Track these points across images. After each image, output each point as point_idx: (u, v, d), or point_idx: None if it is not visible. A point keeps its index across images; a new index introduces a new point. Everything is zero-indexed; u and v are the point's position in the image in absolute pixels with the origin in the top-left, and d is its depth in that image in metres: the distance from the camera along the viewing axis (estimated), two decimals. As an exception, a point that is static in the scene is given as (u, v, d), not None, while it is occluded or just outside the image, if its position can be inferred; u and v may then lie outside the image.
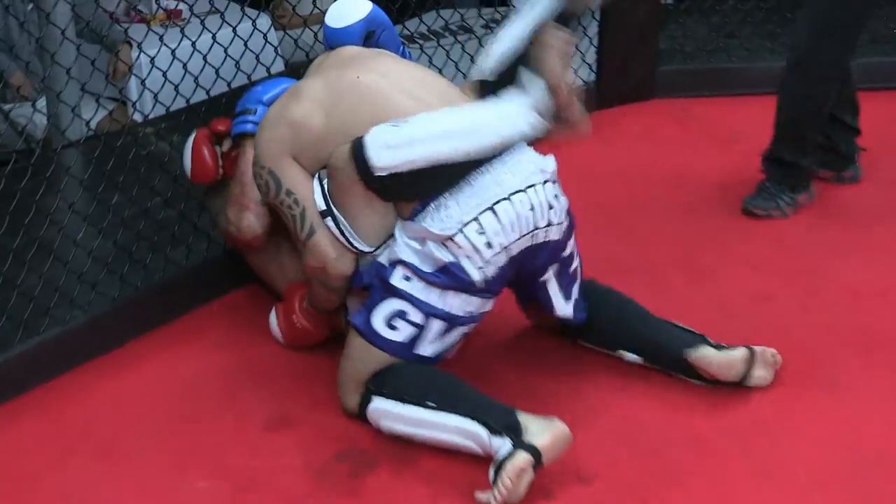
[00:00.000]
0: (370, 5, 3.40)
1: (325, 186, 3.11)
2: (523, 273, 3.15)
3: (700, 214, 4.10)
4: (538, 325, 3.45)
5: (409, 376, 3.06)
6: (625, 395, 3.25)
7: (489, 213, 3.02)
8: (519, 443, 2.86)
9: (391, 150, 3.00)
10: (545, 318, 3.36)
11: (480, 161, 3.05)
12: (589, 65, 4.76)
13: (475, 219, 3.01)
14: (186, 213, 3.67)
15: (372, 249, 3.11)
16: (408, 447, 3.04)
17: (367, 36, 3.39)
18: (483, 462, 2.92)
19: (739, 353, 3.21)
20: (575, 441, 2.93)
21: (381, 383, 3.06)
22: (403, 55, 3.48)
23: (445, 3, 5.01)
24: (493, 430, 2.90)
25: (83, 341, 3.34)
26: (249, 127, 3.39)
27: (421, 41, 4.74)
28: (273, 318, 3.42)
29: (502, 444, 2.87)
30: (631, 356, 3.32)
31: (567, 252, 3.20)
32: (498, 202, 3.03)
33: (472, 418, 2.94)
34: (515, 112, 3.10)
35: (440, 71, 4.17)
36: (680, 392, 3.24)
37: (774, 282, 3.73)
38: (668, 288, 3.68)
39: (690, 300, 3.62)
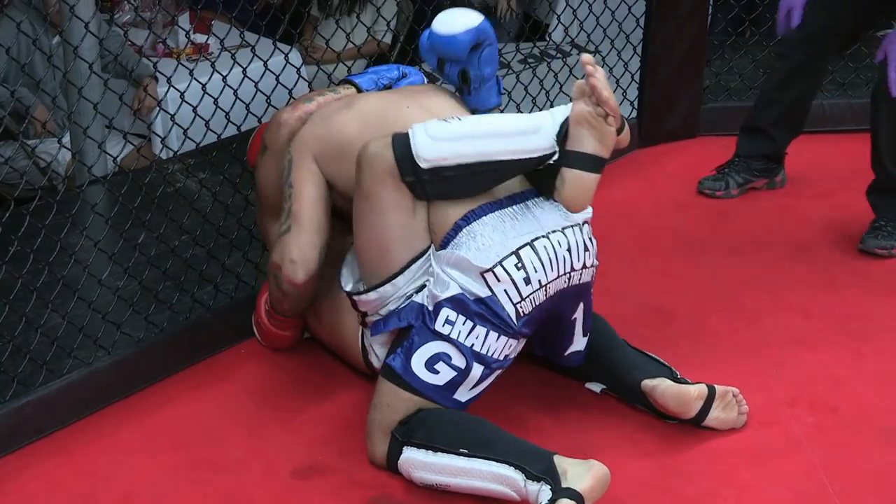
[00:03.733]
0: (481, 16, 3.35)
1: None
2: (556, 314, 3.10)
3: (746, 257, 4.00)
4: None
5: (437, 423, 2.99)
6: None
7: (528, 248, 2.97)
8: (559, 490, 2.79)
9: (438, 142, 2.95)
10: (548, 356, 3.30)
11: (518, 196, 3.02)
12: (631, 102, 4.69)
13: (514, 253, 2.96)
14: (214, 252, 3.61)
15: (360, 289, 3.08)
16: (440, 496, 2.96)
17: (475, 46, 3.32)
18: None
19: (696, 389, 3.15)
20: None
21: (410, 431, 3.00)
22: (497, 81, 3.43)
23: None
24: (530, 476, 2.84)
25: (107, 383, 3.28)
26: (348, 76, 3.45)
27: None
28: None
29: (540, 490, 2.81)
30: (595, 387, 3.30)
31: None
32: (537, 238, 2.98)
33: (508, 464, 2.87)
34: (558, 116, 2.99)
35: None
36: (711, 436, 3.17)
37: (825, 327, 3.63)
38: (714, 333, 3.59)
39: (734, 346, 3.53)
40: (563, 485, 2.80)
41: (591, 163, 2.92)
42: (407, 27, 5.90)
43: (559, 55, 5.12)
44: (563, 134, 2.93)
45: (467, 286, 2.96)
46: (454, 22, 3.31)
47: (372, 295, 3.08)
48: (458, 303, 2.96)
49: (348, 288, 3.15)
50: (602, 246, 3.13)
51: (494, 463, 2.89)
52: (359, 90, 3.39)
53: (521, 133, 2.97)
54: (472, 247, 2.96)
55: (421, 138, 2.95)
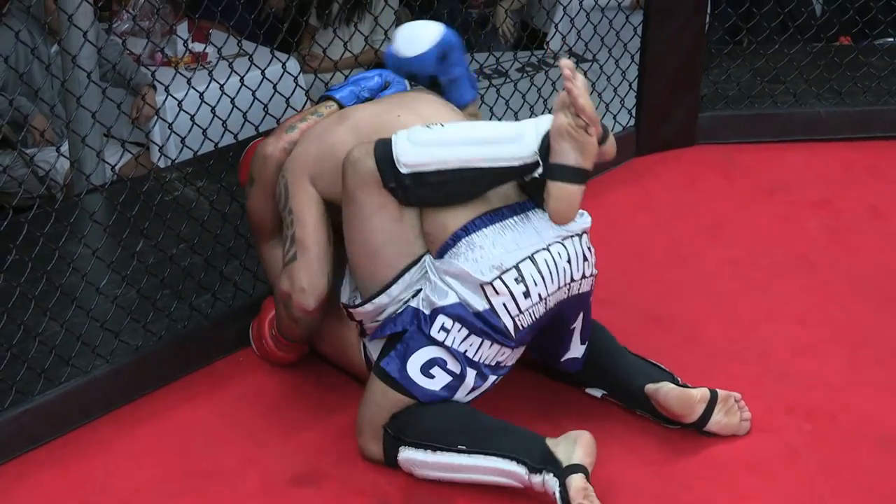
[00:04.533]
0: (440, 25, 3.33)
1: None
2: (556, 323, 3.10)
3: (743, 267, 3.99)
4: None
5: (430, 419, 3.00)
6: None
7: (528, 261, 2.96)
8: (562, 471, 2.84)
9: (419, 146, 2.96)
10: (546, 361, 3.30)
11: (518, 206, 3.02)
12: (628, 110, 4.69)
13: (514, 266, 2.95)
14: (212, 260, 3.60)
15: (356, 301, 3.09)
16: (440, 493, 2.99)
17: (441, 58, 3.31)
18: (520, 494, 2.92)
19: (699, 392, 3.14)
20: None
21: (401, 427, 3.01)
22: (470, 77, 3.42)
23: (480, 47, 4.96)
24: (533, 469, 2.88)
25: (105, 392, 3.27)
26: (327, 91, 3.42)
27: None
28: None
29: (545, 479, 2.86)
30: (596, 392, 3.29)
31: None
32: (537, 251, 2.97)
33: (509, 458, 2.91)
34: (541, 127, 2.98)
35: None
36: (712, 450, 3.15)
37: (822, 335, 3.62)
38: (709, 342, 3.58)
39: (731, 355, 3.53)
40: (563, 465, 2.85)
41: (573, 175, 2.91)
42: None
43: (557, 64, 5.11)
44: (546, 146, 2.92)
45: (466, 297, 2.95)
46: (417, 40, 3.30)
47: (368, 307, 3.08)
48: (456, 312, 2.96)
49: (345, 299, 3.15)
50: (598, 254, 3.13)
51: (495, 458, 2.92)
52: (340, 106, 3.36)
53: (501, 141, 2.96)
54: (470, 258, 2.96)
55: (402, 143, 2.96)
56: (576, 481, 2.82)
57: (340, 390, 3.35)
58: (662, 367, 3.25)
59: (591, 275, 3.09)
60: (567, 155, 2.90)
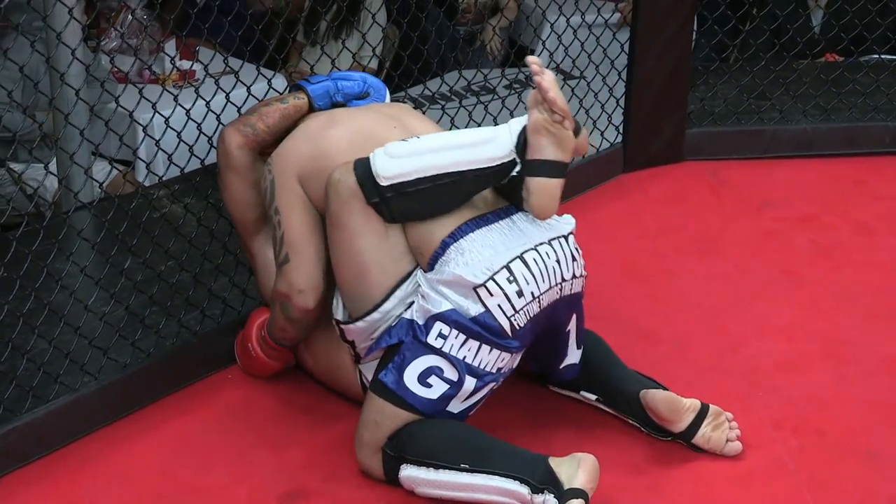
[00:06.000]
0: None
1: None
2: (551, 326, 3.10)
3: (731, 282, 4.00)
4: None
5: (430, 437, 3.00)
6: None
7: (518, 261, 2.98)
8: (562, 494, 2.84)
9: (397, 159, 2.98)
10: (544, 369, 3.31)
11: (503, 211, 3.05)
12: (616, 127, 4.70)
13: (505, 266, 2.97)
14: (200, 277, 3.60)
15: (345, 317, 3.10)
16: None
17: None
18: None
19: (689, 401, 3.16)
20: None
21: (400, 446, 3.00)
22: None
23: (468, 64, 4.97)
24: (535, 489, 2.87)
25: (93, 409, 3.26)
26: (301, 82, 3.44)
27: (443, 101, 4.68)
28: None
29: (546, 500, 2.85)
30: (590, 395, 3.30)
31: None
32: (526, 251, 3.00)
33: (512, 478, 2.91)
34: (515, 127, 3.01)
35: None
36: (697, 458, 3.17)
37: (809, 350, 3.63)
38: (697, 357, 3.59)
39: (719, 370, 3.53)
40: (566, 488, 2.84)
41: (553, 168, 2.95)
42: (393, 53, 5.92)
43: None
44: (522, 144, 2.95)
45: (460, 303, 2.96)
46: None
47: (360, 324, 3.08)
48: (452, 318, 2.96)
49: (339, 316, 3.15)
50: (586, 269, 3.14)
51: (498, 477, 2.92)
52: (309, 100, 3.38)
53: (476, 144, 2.99)
54: (461, 262, 2.97)
55: (380, 158, 2.98)
56: None
57: (330, 405, 3.35)
58: (657, 381, 3.25)
59: (581, 275, 3.10)
60: (545, 150, 2.93)
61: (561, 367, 3.23)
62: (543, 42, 4.72)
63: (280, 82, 4.94)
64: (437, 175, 2.97)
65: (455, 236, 3.00)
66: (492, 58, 6.46)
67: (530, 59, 2.95)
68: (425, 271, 3.02)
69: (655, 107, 4.65)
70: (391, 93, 3.91)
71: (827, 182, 4.62)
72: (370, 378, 3.11)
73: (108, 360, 3.31)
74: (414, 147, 3.00)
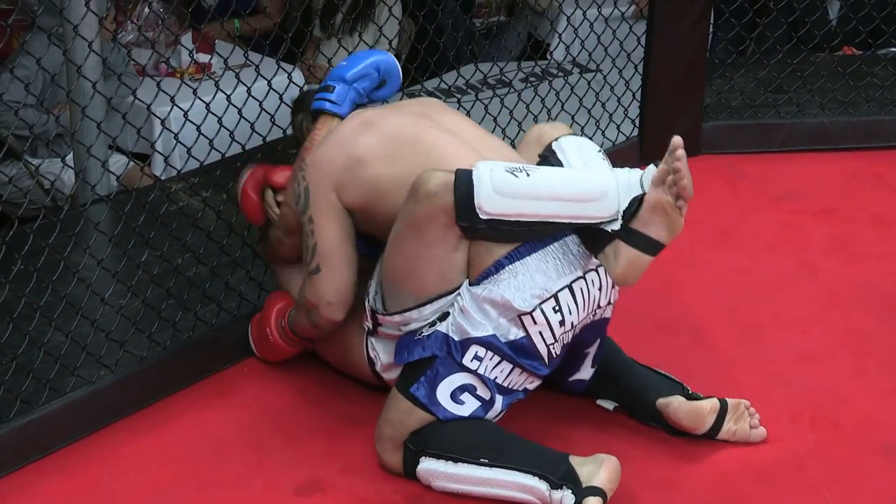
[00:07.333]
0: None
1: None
2: (573, 345, 3.10)
3: (749, 274, 3.99)
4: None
5: (452, 432, 2.99)
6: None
7: (566, 290, 2.96)
8: (581, 491, 2.83)
9: (504, 198, 2.89)
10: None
11: (557, 234, 2.98)
12: (632, 120, 4.69)
13: (554, 296, 2.94)
14: (217, 270, 3.60)
15: (377, 305, 3.08)
16: (449, 504, 2.99)
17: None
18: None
19: (708, 403, 3.15)
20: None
21: (424, 441, 3.00)
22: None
23: (484, 57, 4.97)
24: (554, 485, 2.87)
25: (110, 402, 3.27)
26: (327, 106, 3.30)
27: (459, 95, 4.68)
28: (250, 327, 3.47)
29: (563, 496, 2.85)
30: (608, 404, 3.29)
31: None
32: (575, 280, 2.97)
33: (531, 473, 2.90)
34: (628, 178, 2.96)
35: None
36: (715, 452, 3.17)
37: (826, 343, 3.62)
38: (714, 349, 3.58)
39: (736, 362, 3.52)
40: (584, 485, 2.84)
41: (652, 246, 2.90)
42: (409, 46, 5.91)
43: (561, 74, 5.13)
44: (632, 212, 2.89)
45: (502, 327, 2.94)
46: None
47: (396, 317, 3.07)
48: (491, 343, 2.94)
49: (375, 306, 3.11)
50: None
51: (517, 472, 2.92)
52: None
53: (586, 199, 2.92)
54: (513, 286, 2.93)
55: (486, 189, 2.88)
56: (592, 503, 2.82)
57: (346, 397, 3.35)
58: (670, 376, 3.25)
59: (614, 301, 3.11)
60: (654, 229, 2.88)
61: (570, 379, 3.23)
62: (560, 35, 4.72)
63: (299, 75, 4.96)
64: (538, 222, 2.93)
65: (512, 258, 2.95)
66: (508, 51, 6.44)
67: (677, 140, 2.86)
68: (471, 283, 2.99)
69: (672, 100, 4.65)
70: (407, 87, 3.92)
71: (844, 175, 4.61)
72: (381, 355, 3.13)
73: (125, 353, 3.32)
74: (524, 188, 2.90)
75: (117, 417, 3.27)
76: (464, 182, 2.88)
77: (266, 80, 3.66)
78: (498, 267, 2.95)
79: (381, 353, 3.17)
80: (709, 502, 3.03)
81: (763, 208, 4.40)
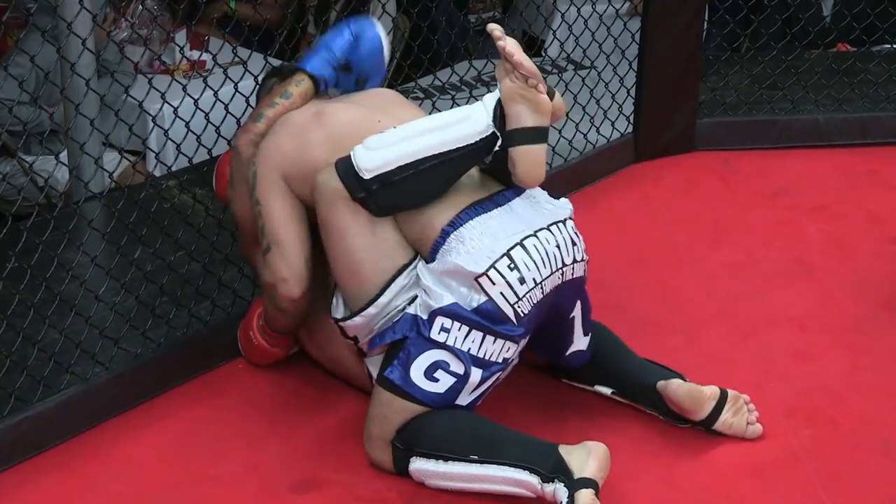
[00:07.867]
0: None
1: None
2: (555, 312, 3.10)
3: (744, 271, 3.99)
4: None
5: (439, 429, 2.99)
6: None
7: (519, 248, 2.97)
8: (573, 483, 2.83)
9: (377, 150, 2.97)
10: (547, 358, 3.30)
11: (500, 197, 3.03)
12: (627, 117, 4.69)
13: (506, 254, 2.95)
14: (210, 266, 3.60)
15: (345, 314, 3.09)
16: (443, 501, 2.98)
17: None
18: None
19: (709, 389, 3.16)
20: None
21: (410, 439, 3.00)
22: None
23: (478, 54, 4.96)
24: (545, 478, 2.86)
25: (104, 399, 3.27)
26: (306, 66, 3.37)
27: (453, 91, 4.67)
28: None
29: (556, 489, 2.85)
30: (605, 389, 3.28)
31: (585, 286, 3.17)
32: (526, 238, 2.99)
33: (522, 467, 2.90)
34: (486, 99, 3.01)
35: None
36: (710, 448, 3.16)
37: (821, 340, 3.62)
38: (710, 346, 3.58)
39: (732, 359, 3.52)
40: (576, 477, 2.84)
41: (534, 135, 2.94)
42: (403, 43, 5.90)
43: (555, 71, 5.12)
44: (500, 117, 2.94)
45: (464, 296, 2.96)
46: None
47: (357, 320, 3.07)
48: (454, 311, 2.95)
49: (337, 315, 3.14)
50: (598, 260, 3.13)
51: (508, 468, 2.92)
52: (313, 80, 3.34)
53: (453, 123, 2.98)
54: (462, 251, 2.96)
55: (360, 153, 2.98)
56: (584, 497, 2.81)
57: (340, 395, 3.35)
58: (670, 368, 3.25)
59: (583, 259, 3.09)
60: (523, 117, 2.93)
61: (568, 353, 3.22)
62: (554, 32, 4.71)
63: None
64: (419, 160, 2.96)
65: (455, 224, 2.99)
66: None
67: (492, 26, 2.93)
68: (427, 261, 3.02)
69: (667, 97, 4.64)
70: (399, 84, 3.89)
71: (839, 172, 4.61)
72: (376, 373, 3.11)
73: (119, 350, 3.32)
74: (392, 137, 3.00)
75: (112, 415, 3.27)
76: (343, 160, 3.00)
77: (253, 76, 3.66)
78: (444, 236, 2.98)
79: (371, 366, 3.16)
80: (703, 498, 3.03)
81: (758, 205, 4.39)
